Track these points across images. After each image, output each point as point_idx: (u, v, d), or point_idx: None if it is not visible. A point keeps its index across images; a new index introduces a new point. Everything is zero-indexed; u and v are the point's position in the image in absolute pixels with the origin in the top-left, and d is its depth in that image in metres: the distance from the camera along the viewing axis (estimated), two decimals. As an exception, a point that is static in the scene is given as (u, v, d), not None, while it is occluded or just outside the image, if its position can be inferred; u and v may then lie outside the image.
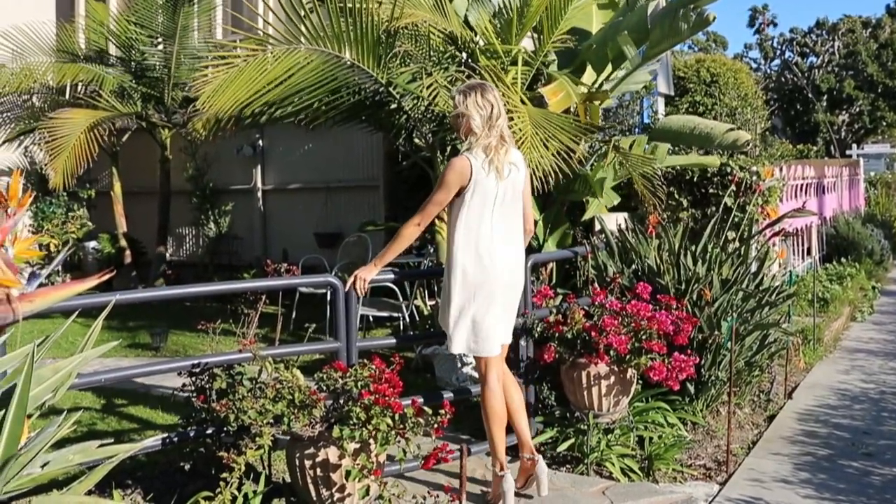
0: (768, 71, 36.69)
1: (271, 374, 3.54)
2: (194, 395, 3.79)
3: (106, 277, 1.87)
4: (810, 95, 31.28)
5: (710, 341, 5.06)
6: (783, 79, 34.22)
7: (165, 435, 3.65)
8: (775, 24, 38.24)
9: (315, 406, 3.25)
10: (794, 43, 35.61)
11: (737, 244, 5.78)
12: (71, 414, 2.42)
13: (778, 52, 37.07)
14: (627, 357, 4.33)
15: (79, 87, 10.32)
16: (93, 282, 1.73)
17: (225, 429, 3.49)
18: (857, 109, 32.38)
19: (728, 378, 5.26)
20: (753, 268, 5.68)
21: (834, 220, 12.43)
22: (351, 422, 3.19)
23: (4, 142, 10.51)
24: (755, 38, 38.71)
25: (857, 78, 32.21)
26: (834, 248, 11.84)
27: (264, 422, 3.22)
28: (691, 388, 5.18)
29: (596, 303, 4.64)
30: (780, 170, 8.87)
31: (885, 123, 32.23)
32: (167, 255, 11.35)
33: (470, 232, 3.87)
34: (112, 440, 5.16)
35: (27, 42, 9.89)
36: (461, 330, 3.92)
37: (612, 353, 4.32)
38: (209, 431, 3.64)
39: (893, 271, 13.27)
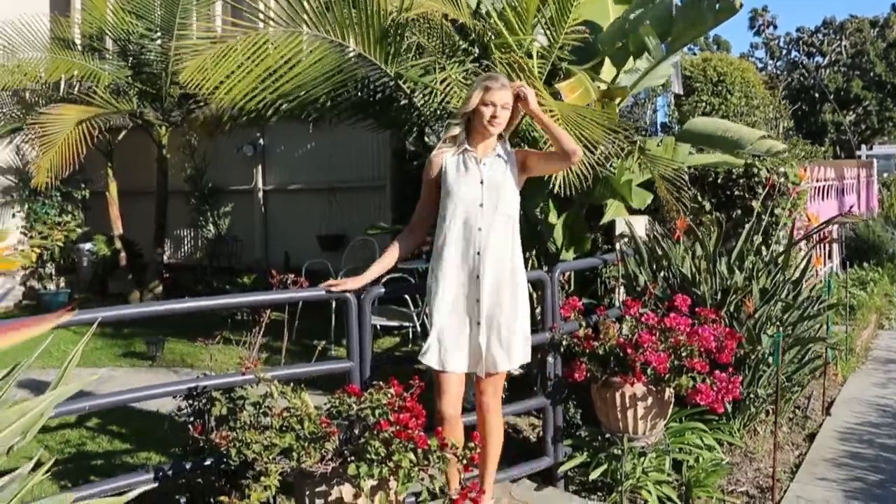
0: (774, 70, 36.34)
1: (277, 399, 3.16)
2: (191, 420, 3.42)
3: (63, 319, 1.48)
4: (816, 96, 30.91)
5: (750, 357, 4.68)
6: (790, 79, 33.86)
7: (159, 466, 3.25)
8: (775, 26, 37.86)
9: (328, 439, 2.86)
10: (801, 43, 35.25)
11: (770, 250, 5.41)
12: (38, 468, 2.02)
13: (784, 52, 36.71)
14: (667, 377, 3.93)
15: (73, 84, 9.95)
16: (48, 325, 1.35)
17: (225, 460, 3.11)
18: (864, 109, 32.00)
19: (768, 396, 4.89)
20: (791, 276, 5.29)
21: (854, 223, 12.03)
22: (369, 457, 2.80)
23: (-6, 140, 10.15)
24: (760, 38, 38.38)
25: (865, 78, 31.84)
26: (854, 252, 11.45)
27: (270, 457, 2.83)
28: (728, 407, 4.79)
29: (628, 315, 4.26)
30: (805, 171, 8.49)
31: (892, 123, 31.84)
32: (164, 257, 10.97)
33: None
34: (101, 462, 4.83)
35: (18, 37, 9.51)
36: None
37: (649, 372, 3.93)
38: (208, 463, 3.25)
39: (915, 275, 12.88)
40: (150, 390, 3.32)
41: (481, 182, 3.47)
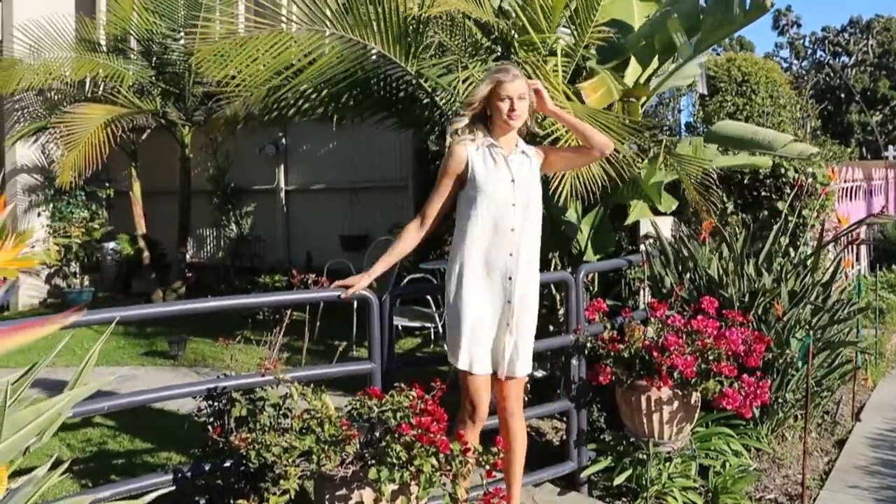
0: (799, 70, 35.95)
1: (297, 400, 3.12)
2: (211, 420, 3.38)
3: (70, 320, 1.45)
4: (842, 96, 30.52)
5: (779, 361, 4.58)
6: (816, 79, 33.48)
7: (178, 467, 3.22)
8: (799, 25, 37.44)
9: (348, 442, 2.82)
10: (827, 42, 34.85)
11: (798, 252, 5.30)
12: (54, 469, 1.98)
13: (809, 52, 36.30)
14: (694, 381, 3.86)
15: (98, 84, 10.01)
16: (56, 326, 1.32)
17: (245, 462, 3.07)
18: (891, 110, 31.53)
19: (797, 401, 4.80)
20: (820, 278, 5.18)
21: (882, 224, 11.84)
22: (390, 461, 2.75)
23: (20, 138, 10.21)
24: (784, 38, 37.97)
25: (892, 77, 31.41)
26: (882, 254, 11.27)
27: (290, 460, 2.79)
28: (756, 412, 4.69)
29: (654, 317, 4.18)
30: (833, 172, 8.36)
31: (920, 124, 31.39)
32: (188, 256, 11.00)
33: None
34: (122, 461, 4.82)
35: (44, 37, 9.57)
36: None
37: (675, 375, 3.86)
38: (227, 464, 3.21)
39: (945, 279, 12.66)
40: (170, 391, 3.28)
41: (512, 180, 3.33)
